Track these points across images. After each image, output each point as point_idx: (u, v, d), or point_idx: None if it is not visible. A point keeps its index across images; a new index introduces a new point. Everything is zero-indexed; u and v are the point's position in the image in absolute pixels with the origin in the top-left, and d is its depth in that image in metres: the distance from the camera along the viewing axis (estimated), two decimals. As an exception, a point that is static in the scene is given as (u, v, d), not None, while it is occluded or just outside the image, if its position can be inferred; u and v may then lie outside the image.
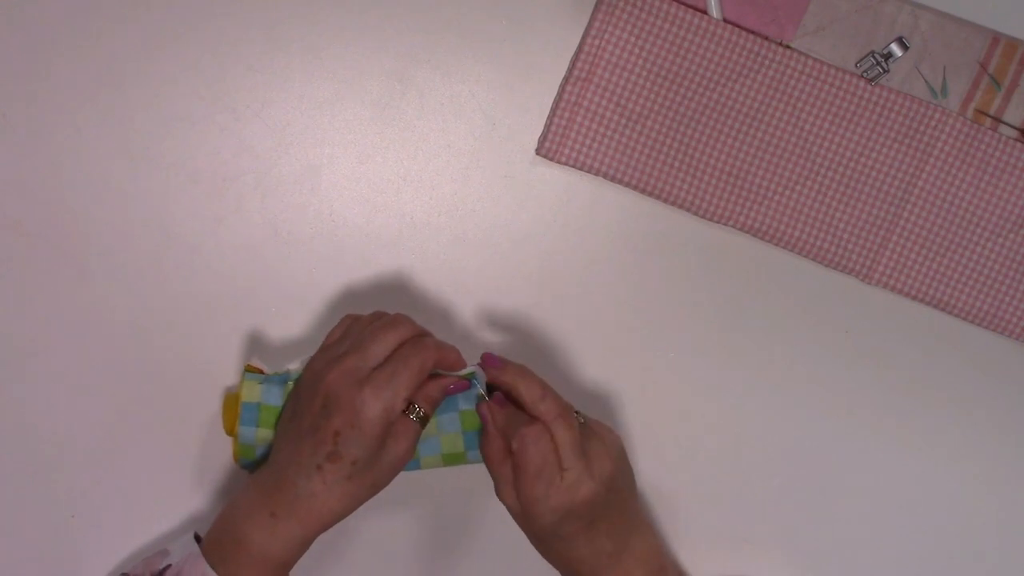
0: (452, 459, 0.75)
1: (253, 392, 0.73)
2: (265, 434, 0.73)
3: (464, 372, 0.73)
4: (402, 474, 0.73)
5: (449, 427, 0.74)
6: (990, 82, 0.80)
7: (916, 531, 0.84)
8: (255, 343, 0.80)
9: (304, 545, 0.70)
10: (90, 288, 0.79)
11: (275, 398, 0.73)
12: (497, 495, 0.73)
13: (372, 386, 0.69)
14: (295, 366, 0.77)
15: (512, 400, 0.73)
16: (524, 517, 0.72)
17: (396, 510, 0.81)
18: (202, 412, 0.80)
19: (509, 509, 0.73)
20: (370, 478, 0.70)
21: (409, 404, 0.70)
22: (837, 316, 0.83)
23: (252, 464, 0.74)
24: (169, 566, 0.70)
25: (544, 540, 0.73)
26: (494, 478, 0.73)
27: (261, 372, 0.76)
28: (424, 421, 0.71)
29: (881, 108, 0.80)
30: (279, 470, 0.70)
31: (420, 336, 0.72)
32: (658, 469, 0.82)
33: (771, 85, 0.80)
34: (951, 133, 0.80)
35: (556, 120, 0.79)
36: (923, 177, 0.81)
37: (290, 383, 0.73)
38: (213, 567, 0.69)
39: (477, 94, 0.81)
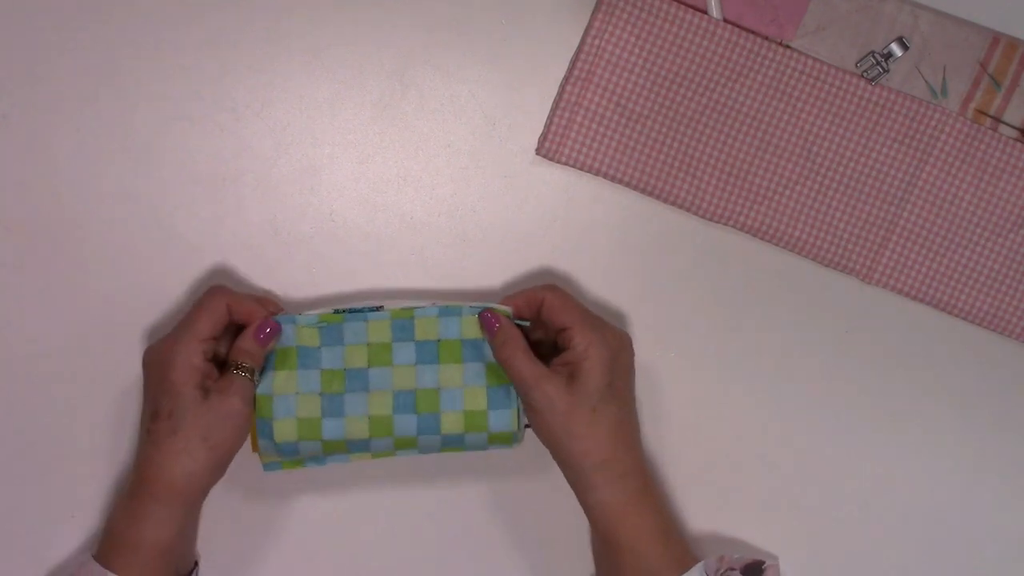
0: (474, 420, 0.74)
1: None
2: (283, 378, 0.74)
3: (502, 308, 0.75)
4: (406, 459, 0.73)
5: (474, 379, 0.74)
6: (990, 82, 0.80)
7: (914, 530, 0.84)
8: (255, 343, 0.80)
9: (171, 522, 0.71)
10: (90, 288, 0.79)
11: (287, 338, 0.74)
12: (535, 385, 0.72)
13: (169, 340, 0.72)
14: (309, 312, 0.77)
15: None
16: (570, 385, 0.72)
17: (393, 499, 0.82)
18: (202, 412, 0.80)
19: (553, 392, 0.72)
20: (199, 430, 0.70)
21: (235, 365, 0.72)
22: (837, 316, 0.83)
23: (268, 426, 0.73)
24: None
25: (593, 403, 0.72)
26: (523, 363, 0.73)
27: None
28: (251, 373, 0.72)
29: (881, 108, 0.80)
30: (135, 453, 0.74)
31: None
32: (657, 467, 0.82)
33: (771, 85, 0.80)
34: (951, 133, 0.80)
35: (556, 120, 0.79)
36: (923, 177, 0.81)
37: (300, 325, 0.74)
38: (105, 566, 0.70)
39: (477, 94, 0.81)
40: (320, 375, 0.74)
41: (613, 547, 0.73)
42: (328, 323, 0.75)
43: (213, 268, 0.80)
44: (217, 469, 0.72)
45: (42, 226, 0.79)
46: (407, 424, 0.74)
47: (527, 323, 0.76)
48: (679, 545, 0.75)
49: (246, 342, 0.73)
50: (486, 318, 0.75)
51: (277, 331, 0.74)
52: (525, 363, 0.73)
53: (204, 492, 0.73)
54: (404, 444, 0.75)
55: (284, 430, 0.73)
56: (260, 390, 0.74)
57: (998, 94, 0.80)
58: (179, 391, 0.70)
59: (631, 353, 0.77)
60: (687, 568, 0.73)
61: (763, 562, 0.77)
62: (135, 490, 0.71)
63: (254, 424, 0.74)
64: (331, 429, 0.74)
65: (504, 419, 0.75)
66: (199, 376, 0.71)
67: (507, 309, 0.76)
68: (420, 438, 0.75)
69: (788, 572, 0.82)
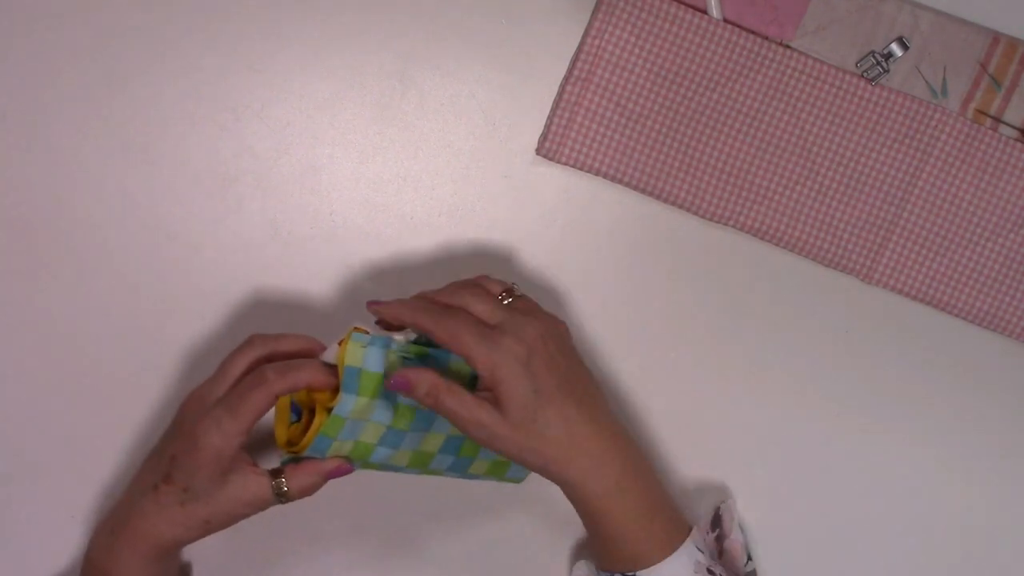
0: (497, 469, 0.75)
1: (356, 355, 0.68)
2: (363, 404, 0.68)
3: (399, 338, 0.70)
4: (410, 477, 0.73)
5: None
6: (990, 82, 0.80)
7: (914, 530, 0.84)
8: (255, 343, 0.80)
9: (141, 570, 0.70)
10: (90, 288, 0.79)
11: (376, 364, 0.69)
12: (469, 419, 0.67)
13: (210, 419, 0.68)
14: (400, 337, 0.72)
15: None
16: (500, 409, 0.68)
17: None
18: (202, 412, 0.80)
19: (488, 420, 0.67)
20: (203, 512, 0.69)
21: (279, 475, 0.69)
22: (837, 316, 0.83)
23: (327, 444, 0.69)
24: None
25: (531, 415, 0.68)
26: (458, 397, 0.68)
27: (367, 334, 0.70)
28: (282, 499, 0.70)
29: (881, 108, 0.80)
30: (129, 486, 0.72)
31: (261, 369, 0.68)
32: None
33: (771, 85, 0.80)
34: (951, 133, 0.80)
35: (556, 120, 0.79)
36: (923, 177, 0.81)
37: (392, 351, 0.69)
38: None
39: (477, 94, 0.81)
40: (395, 409, 0.70)
41: (601, 538, 0.72)
42: (413, 356, 0.71)
43: (213, 267, 0.80)
44: (203, 538, 0.71)
45: (42, 226, 0.79)
46: (443, 462, 0.74)
47: (413, 335, 0.72)
48: (669, 523, 0.72)
49: (313, 477, 0.70)
50: (397, 384, 0.68)
51: (347, 473, 0.71)
52: (452, 401, 0.68)
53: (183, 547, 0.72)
54: (427, 472, 0.75)
55: (339, 450, 0.70)
56: (338, 411, 0.68)
57: (998, 94, 0.80)
58: (201, 474, 0.68)
59: (551, 335, 0.71)
60: (675, 548, 0.71)
61: (718, 510, 0.77)
62: (119, 530, 0.70)
63: (290, 421, 0.71)
64: (380, 456, 0.72)
65: (522, 471, 0.76)
66: (227, 463, 0.68)
67: (400, 337, 0.71)
68: (445, 472, 0.75)
69: (788, 573, 0.82)
